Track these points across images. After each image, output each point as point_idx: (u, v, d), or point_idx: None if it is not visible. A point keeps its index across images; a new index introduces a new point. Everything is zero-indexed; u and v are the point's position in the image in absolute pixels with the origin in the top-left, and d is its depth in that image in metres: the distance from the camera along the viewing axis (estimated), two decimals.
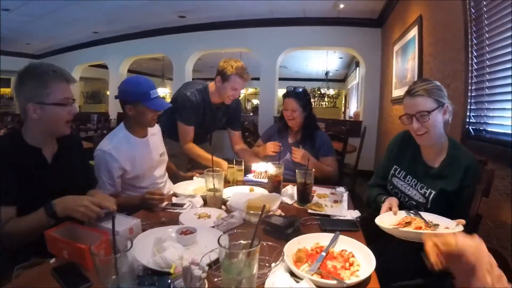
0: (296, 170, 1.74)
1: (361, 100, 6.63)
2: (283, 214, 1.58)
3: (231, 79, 2.27)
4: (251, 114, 10.82)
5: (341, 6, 5.31)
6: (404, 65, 4.06)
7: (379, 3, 5.18)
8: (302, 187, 1.72)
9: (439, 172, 1.53)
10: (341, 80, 15.11)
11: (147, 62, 11.55)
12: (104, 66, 8.97)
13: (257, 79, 7.02)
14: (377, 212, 1.52)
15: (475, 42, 2.30)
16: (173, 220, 1.47)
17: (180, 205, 1.66)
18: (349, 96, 13.50)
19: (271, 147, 2.39)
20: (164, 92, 14.10)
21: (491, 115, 2.12)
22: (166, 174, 2.23)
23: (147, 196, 1.65)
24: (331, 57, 10.11)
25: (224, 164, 2.24)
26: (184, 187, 1.98)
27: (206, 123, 2.55)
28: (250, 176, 2.24)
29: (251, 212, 1.43)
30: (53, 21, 6.70)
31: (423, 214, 1.43)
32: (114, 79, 8.37)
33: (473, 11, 2.30)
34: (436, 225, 1.30)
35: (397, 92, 4.47)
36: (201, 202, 1.68)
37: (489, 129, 2.13)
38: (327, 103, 14.99)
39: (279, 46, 6.66)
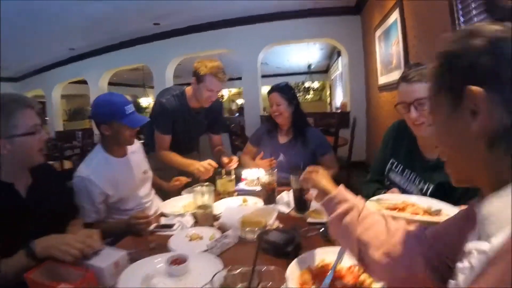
0: (291, 176, 1.60)
1: (347, 90, 6.55)
2: (281, 226, 1.45)
3: (206, 79, 2.13)
4: (237, 115, 10.69)
5: None
6: (388, 51, 3.97)
7: None
8: (299, 194, 1.59)
9: (437, 164, 1.41)
10: (323, 71, 15.03)
11: (128, 73, 11.35)
12: (85, 82, 8.81)
13: (240, 78, 6.90)
14: None
15: (462, 20, 2.20)
16: (163, 245, 1.33)
17: (170, 226, 1.52)
18: (333, 87, 13.44)
19: (265, 165, 2.24)
20: (148, 101, 13.89)
21: None
22: (153, 192, 2.09)
23: (133, 222, 1.52)
24: (312, 49, 10.01)
25: (197, 163, 2.11)
26: (173, 205, 1.83)
27: (189, 130, 2.42)
28: (241, 185, 2.09)
29: (247, 229, 1.30)
30: (27, 41, 6.53)
31: (425, 199, 1.31)
32: (95, 94, 8.09)
33: None
34: (438, 211, 1.18)
35: (383, 79, 4.39)
36: (192, 221, 1.54)
37: None
38: (312, 97, 14.93)
39: (259, 43, 6.54)
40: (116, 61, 7.95)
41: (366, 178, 1.77)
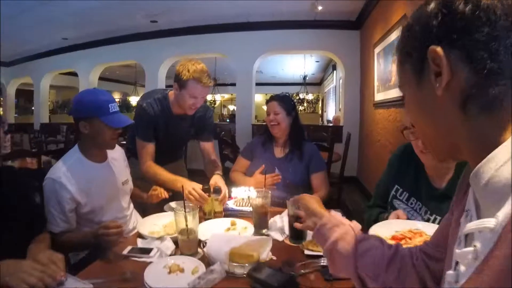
0: (287, 202, 1.43)
1: (341, 104, 6.46)
2: (273, 257, 1.28)
3: (189, 85, 1.89)
4: (227, 121, 10.52)
5: (319, 8, 5.10)
6: (388, 68, 3.87)
7: (358, 4, 5.02)
8: (295, 222, 1.41)
9: (445, 194, 1.30)
10: (317, 83, 15.05)
11: (120, 69, 11.16)
12: (75, 74, 8.52)
13: (234, 84, 6.75)
14: None
15: None
16: (138, 274, 1.14)
17: (147, 251, 1.32)
18: (326, 100, 13.43)
19: (267, 181, 1.94)
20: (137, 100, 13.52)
21: None
22: (131, 206, 1.90)
23: (101, 232, 1.33)
24: (308, 60, 9.96)
25: (186, 182, 1.84)
26: (152, 223, 1.61)
27: (172, 137, 2.19)
28: (230, 204, 1.87)
29: (235, 264, 1.12)
30: (22, 24, 6.23)
31: (431, 227, 1.18)
32: (84, 87, 7.83)
33: None
34: None
35: (380, 95, 4.28)
36: (172, 247, 1.34)
37: None
38: (306, 109, 14.85)
39: (256, 50, 6.42)
40: (109, 56, 7.72)
41: (369, 203, 1.64)
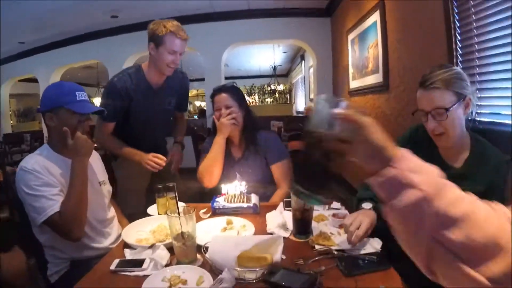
0: (291, 194, 1.31)
1: (313, 93, 6.41)
2: (283, 257, 1.15)
3: (166, 40, 1.87)
4: (196, 117, 10.23)
5: None
6: (364, 54, 3.82)
7: None
8: (301, 215, 1.30)
9: (464, 172, 1.26)
10: (284, 75, 15.02)
11: (81, 71, 10.62)
12: (35, 80, 7.94)
13: (201, 79, 6.51)
14: None
15: (459, 24, 2.05)
16: None
17: (138, 263, 1.14)
18: (294, 91, 13.44)
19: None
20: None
21: (483, 104, 1.88)
22: (112, 210, 1.71)
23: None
24: (276, 51, 9.86)
25: (144, 155, 1.97)
26: (137, 230, 1.42)
27: (151, 112, 2.07)
28: (220, 201, 1.67)
29: (248, 269, 0.99)
30: None
31: None
32: None
33: None
34: None
35: (356, 83, 4.25)
36: (167, 256, 1.17)
37: (482, 119, 1.89)
38: (278, 100, 14.79)
39: (223, 42, 6.18)
40: (69, 57, 7.20)
41: None
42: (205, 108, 7.23)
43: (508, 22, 1.60)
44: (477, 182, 1.20)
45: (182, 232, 1.13)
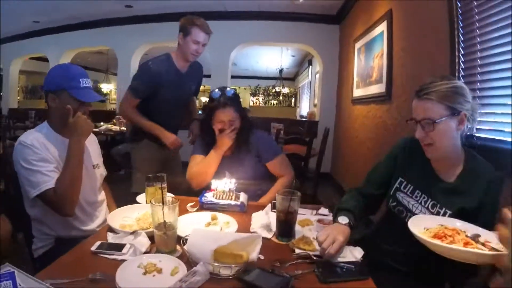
0: (276, 195, 1.31)
1: (318, 98, 6.40)
2: (262, 257, 1.15)
3: (192, 31, 2.24)
4: (200, 113, 10.24)
5: (300, 0, 4.99)
6: (369, 63, 3.82)
7: None
8: (285, 218, 1.29)
9: (456, 187, 1.24)
10: (291, 78, 15.03)
11: (92, 56, 10.71)
12: (46, 59, 8.03)
13: (208, 76, 6.50)
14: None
15: (462, 38, 2.05)
16: (108, 276, 0.97)
17: (118, 247, 1.16)
18: (299, 95, 13.44)
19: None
20: (108, 88, 13.21)
21: (483, 119, 1.87)
22: (102, 194, 1.74)
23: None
24: (284, 54, 9.87)
25: (166, 131, 2.34)
26: (123, 216, 1.44)
27: (177, 94, 2.41)
28: (209, 196, 1.67)
29: (221, 265, 0.98)
30: None
31: (450, 220, 1.13)
32: None
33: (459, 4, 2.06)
34: (477, 236, 1.00)
35: (359, 91, 4.25)
36: (147, 243, 1.18)
37: (481, 136, 1.88)
38: (282, 102, 14.82)
39: (232, 41, 6.20)
40: (81, 41, 7.28)
41: (359, 187, 1.51)
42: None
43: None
44: (469, 198, 1.20)
45: (164, 222, 1.14)
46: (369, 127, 3.86)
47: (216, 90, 1.85)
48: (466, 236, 0.99)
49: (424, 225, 1.09)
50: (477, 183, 1.21)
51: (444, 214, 1.23)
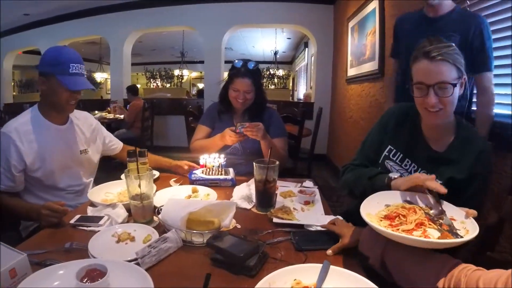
0: (254, 163, 1.29)
1: (313, 80, 6.34)
2: (238, 226, 1.15)
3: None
4: (196, 98, 10.20)
5: None
6: (362, 41, 3.76)
7: None
8: (263, 187, 1.28)
9: (446, 157, 1.19)
10: (288, 62, 14.90)
11: (84, 47, 10.62)
12: (38, 53, 7.97)
13: (202, 62, 6.42)
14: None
15: None
16: (83, 245, 0.98)
17: (96, 220, 1.16)
18: (297, 78, 13.34)
19: (238, 137, 1.84)
20: (102, 77, 13.12)
21: None
22: (89, 178, 1.73)
23: (44, 212, 1.14)
24: (279, 37, 9.74)
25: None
26: (106, 191, 1.44)
27: None
28: (198, 173, 1.66)
29: (193, 231, 0.97)
30: None
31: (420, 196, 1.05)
32: None
33: None
34: (441, 213, 0.93)
35: (353, 70, 4.20)
36: (124, 214, 1.18)
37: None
38: (276, 84, 14.74)
39: (225, 23, 6.07)
40: (72, 31, 7.14)
41: (353, 161, 1.43)
42: (203, 90, 7.15)
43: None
44: (460, 169, 1.15)
45: (140, 192, 1.13)
46: (363, 107, 3.82)
47: (239, 60, 1.96)
48: (427, 214, 0.93)
49: (387, 202, 1.03)
50: (468, 153, 1.15)
51: None
